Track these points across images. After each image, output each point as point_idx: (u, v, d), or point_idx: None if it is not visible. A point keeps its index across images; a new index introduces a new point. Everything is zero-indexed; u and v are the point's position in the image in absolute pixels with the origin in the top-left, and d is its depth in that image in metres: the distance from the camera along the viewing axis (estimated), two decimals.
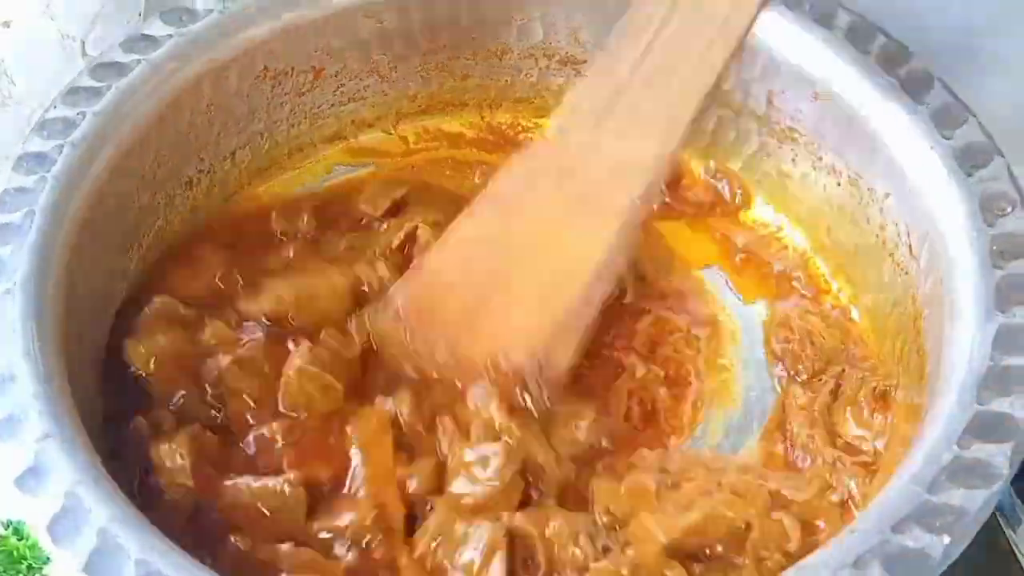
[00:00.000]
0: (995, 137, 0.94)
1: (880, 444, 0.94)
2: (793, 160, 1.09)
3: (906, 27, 1.01)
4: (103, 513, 0.72)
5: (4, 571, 0.88)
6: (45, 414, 0.77)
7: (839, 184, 1.05)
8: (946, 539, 0.72)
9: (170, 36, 1.01)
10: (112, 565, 0.70)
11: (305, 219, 1.07)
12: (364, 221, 1.09)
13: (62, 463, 0.75)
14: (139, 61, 0.99)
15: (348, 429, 0.91)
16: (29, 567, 0.90)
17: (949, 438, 0.77)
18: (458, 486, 0.88)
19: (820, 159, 1.07)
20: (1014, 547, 0.95)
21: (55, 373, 0.81)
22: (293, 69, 1.10)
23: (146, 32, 1.01)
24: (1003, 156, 0.92)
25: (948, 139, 0.94)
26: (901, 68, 0.99)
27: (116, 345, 0.95)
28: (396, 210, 1.09)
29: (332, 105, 1.15)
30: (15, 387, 0.78)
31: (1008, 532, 0.95)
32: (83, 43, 1.16)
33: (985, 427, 0.77)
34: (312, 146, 1.16)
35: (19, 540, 0.90)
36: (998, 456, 0.76)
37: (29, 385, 0.78)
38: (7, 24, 1.13)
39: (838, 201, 1.06)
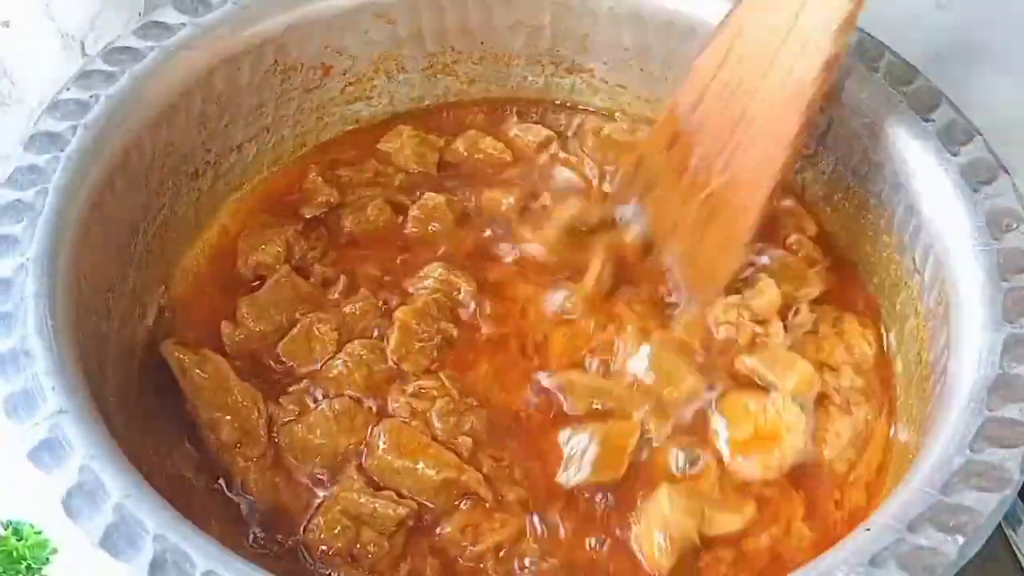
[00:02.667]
0: (989, 131, 0.96)
1: None
2: (797, 172, 1.10)
3: (902, 21, 1.03)
4: (118, 488, 0.72)
5: (4, 571, 0.87)
6: (59, 389, 0.76)
7: (843, 198, 1.06)
8: (960, 539, 0.72)
9: (183, 25, 1.01)
10: (129, 540, 0.69)
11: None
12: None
13: (76, 438, 0.74)
14: (152, 48, 0.99)
15: None
16: (28, 567, 0.88)
17: (961, 442, 0.78)
18: None
19: (823, 172, 1.08)
20: (1014, 547, 0.96)
21: (68, 349, 0.80)
22: (303, 65, 1.10)
23: (159, 19, 1.01)
24: (1008, 173, 0.94)
25: (955, 155, 0.95)
26: (908, 85, 1.00)
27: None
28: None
29: (338, 104, 1.15)
30: (29, 362, 0.77)
31: (1008, 532, 0.96)
32: (83, 43, 1.16)
33: (995, 433, 0.78)
34: (316, 144, 1.16)
35: (19, 540, 0.89)
36: (1009, 461, 0.77)
37: (43, 361, 0.77)
38: (7, 24, 1.13)
39: (841, 214, 1.07)
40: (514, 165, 1.15)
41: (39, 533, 0.89)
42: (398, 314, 0.98)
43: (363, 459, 0.91)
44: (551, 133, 1.17)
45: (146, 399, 0.95)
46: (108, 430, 0.77)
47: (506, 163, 1.15)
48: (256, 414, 0.93)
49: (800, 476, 0.93)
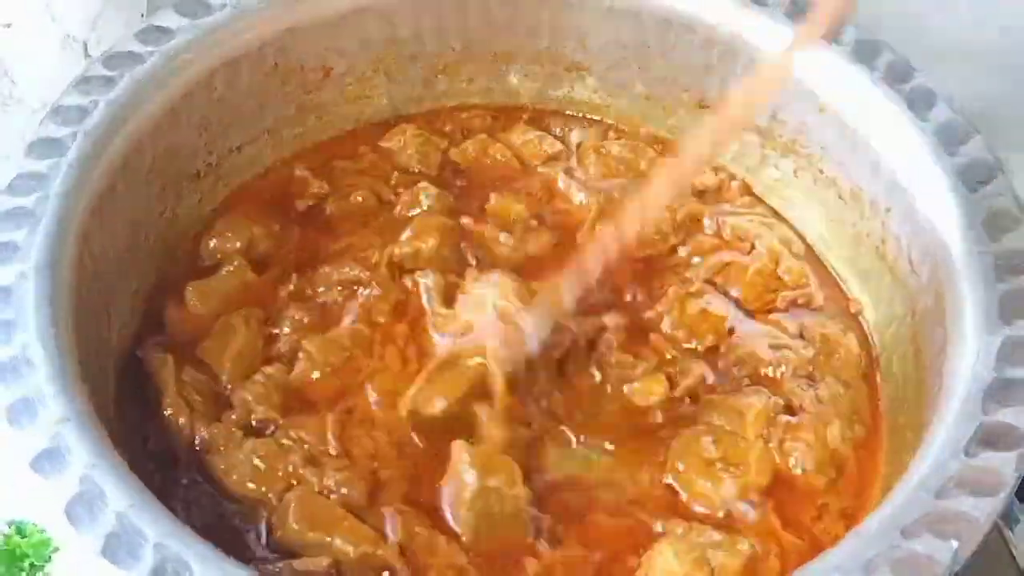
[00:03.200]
0: (988, 131, 0.96)
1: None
2: (795, 172, 1.11)
3: (902, 20, 1.03)
4: (120, 497, 0.72)
5: (7, 569, 0.88)
6: (60, 397, 0.77)
7: (840, 197, 1.07)
8: (955, 544, 0.73)
9: (183, 28, 1.01)
10: (130, 549, 0.70)
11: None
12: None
13: (78, 446, 0.74)
14: (152, 52, 0.99)
15: None
16: (32, 565, 0.89)
17: (956, 447, 0.78)
18: None
19: (822, 172, 1.08)
20: (1011, 547, 0.97)
21: (69, 355, 0.80)
22: (303, 67, 1.10)
23: (159, 23, 1.01)
24: (1006, 173, 0.94)
25: (952, 155, 0.95)
26: (906, 84, 1.00)
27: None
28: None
29: (338, 104, 1.16)
30: (31, 370, 0.78)
31: (1006, 532, 0.97)
32: (85, 44, 1.16)
33: (990, 437, 0.79)
34: (316, 144, 1.16)
35: (22, 538, 0.90)
36: (1005, 465, 0.77)
37: (45, 368, 0.78)
38: (8, 25, 1.13)
39: (838, 214, 1.07)
40: (522, 176, 1.15)
41: (42, 531, 0.90)
42: (305, 343, 0.97)
43: (270, 532, 0.87)
44: (562, 147, 1.17)
45: (149, 400, 0.95)
46: (109, 437, 0.78)
47: (514, 172, 1.15)
48: (178, 433, 0.91)
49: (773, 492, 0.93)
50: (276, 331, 0.99)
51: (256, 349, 0.97)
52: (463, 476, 0.88)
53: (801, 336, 1.02)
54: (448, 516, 0.88)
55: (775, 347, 1.01)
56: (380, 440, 0.93)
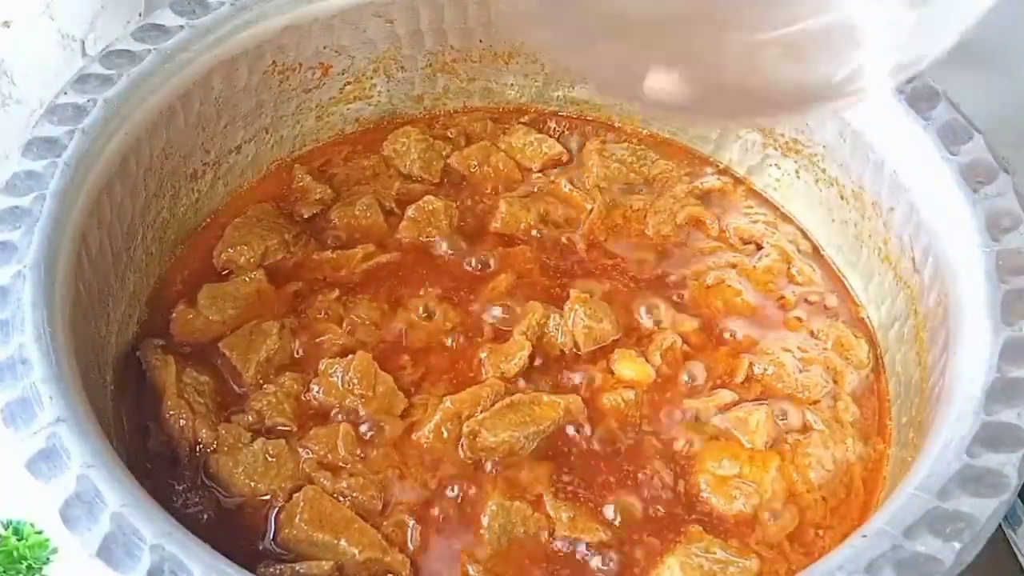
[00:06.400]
0: (988, 131, 0.96)
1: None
2: (797, 172, 1.10)
3: None
4: (117, 497, 0.72)
5: (4, 571, 0.87)
6: (56, 397, 0.76)
7: (843, 197, 1.06)
8: (957, 545, 0.72)
9: (181, 27, 1.01)
10: (126, 550, 0.70)
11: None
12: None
13: (74, 447, 0.74)
14: (150, 51, 0.99)
15: None
16: (29, 567, 0.88)
17: (958, 447, 0.78)
18: None
19: (824, 171, 1.08)
20: (1014, 547, 0.96)
21: (66, 355, 0.80)
22: (301, 65, 1.10)
23: (157, 22, 1.01)
24: (1008, 172, 0.93)
25: (954, 155, 0.95)
26: (908, 84, 0.99)
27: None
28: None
29: (337, 103, 1.15)
30: (27, 370, 0.77)
31: (1008, 532, 0.96)
32: (83, 43, 1.15)
33: (993, 437, 0.78)
34: (316, 144, 1.16)
35: (19, 540, 0.89)
36: (1007, 466, 0.76)
37: (41, 369, 0.77)
38: (7, 24, 1.12)
39: (841, 214, 1.07)
40: (524, 182, 1.14)
41: (39, 533, 0.89)
42: (321, 366, 0.96)
43: (276, 531, 0.87)
44: (561, 149, 1.16)
45: (148, 400, 0.94)
46: (107, 437, 0.77)
47: (515, 181, 1.14)
48: (179, 434, 0.91)
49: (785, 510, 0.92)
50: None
51: (284, 358, 0.97)
52: (490, 499, 0.89)
53: (815, 336, 1.02)
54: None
55: (799, 356, 1.00)
56: (403, 452, 0.93)
